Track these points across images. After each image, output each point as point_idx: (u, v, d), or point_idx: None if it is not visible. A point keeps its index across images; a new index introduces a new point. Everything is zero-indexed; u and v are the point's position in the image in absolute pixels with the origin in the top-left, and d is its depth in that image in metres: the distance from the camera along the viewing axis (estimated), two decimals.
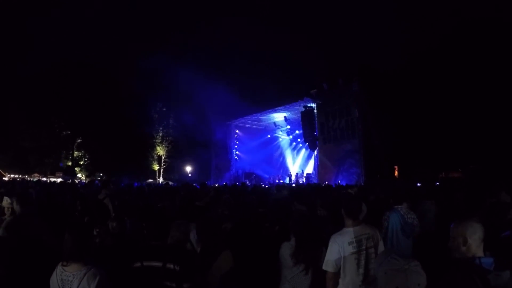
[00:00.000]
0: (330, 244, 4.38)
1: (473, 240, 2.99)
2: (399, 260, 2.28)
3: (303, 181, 30.72)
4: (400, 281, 2.20)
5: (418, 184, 17.94)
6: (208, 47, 38.99)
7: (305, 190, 12.96)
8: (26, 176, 39.41)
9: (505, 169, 20.60)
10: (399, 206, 6.56)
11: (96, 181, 21.37)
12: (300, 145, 35.57)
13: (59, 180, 32.38)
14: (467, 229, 3.04)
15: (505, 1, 24.89)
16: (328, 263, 4.31)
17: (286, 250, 4.58)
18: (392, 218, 6.30)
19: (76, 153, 51.15)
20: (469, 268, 2.84)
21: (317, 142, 30.43)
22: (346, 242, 4.32)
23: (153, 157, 51.16)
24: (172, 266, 3.56)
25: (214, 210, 7.31)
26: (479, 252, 2.98)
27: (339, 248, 4.29)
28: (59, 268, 3.58)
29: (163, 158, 51.22)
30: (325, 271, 4.34)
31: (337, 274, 4.32)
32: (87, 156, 51.66)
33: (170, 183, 27.18)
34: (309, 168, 34.08)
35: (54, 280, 3.55)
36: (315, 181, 29.13)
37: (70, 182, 27.21)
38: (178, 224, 4.33)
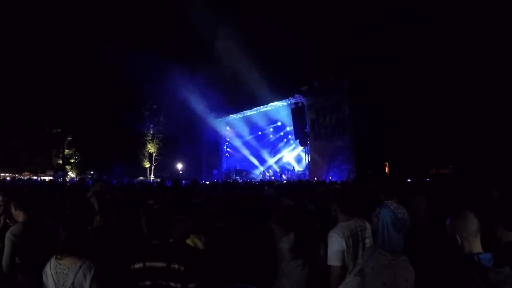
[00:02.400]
0: (331, 239, 4.46)
1: (466, 236, 2.94)
2: (386, 255, 2.26)
3: (294, 178, 30.74)
4: (388, 277, 2.17)
5: (409, 180, 17.97)
6: (197, 44, 38.72)
7: (294, 186, 12.98)
8: (17, 175, 39.20)
9: (495, 165, 20.68)
10: (389, 201, 6.57)
11: (87, 179, 21.32)
12: (291, 142, 35.58)
13: (49, 178, 32.25)
14: (458, 225, 3.01)
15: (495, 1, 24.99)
16: (335, 257, 4.37)
17: (285, 244, 4.61)
18: (383, 214, 6.32)
19: (66, 151, 50.88)
20: (467, 266, 2.80)
21: (308, 138, 30.47)
22: (345, 235, 4.41)
23: (144, 154, 50.97)
24: (176, 266, 3.51)
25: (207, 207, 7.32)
26: (476, 248, 2.92)
27: (341, 242, 4.38)
28: (53, 261, 3.63)
29: (154, 155, 51.04)
30: (329, 266, 4.39)
31: (343, 267, 4.39)
32: (77, 154, 51.41)
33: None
34: (300, 165, 34.12)
35: (49, 273, 3.59)
36: (306, 177, 29.15)
37: (60, 180, 27.11)
38: (179, 220, 4.33)
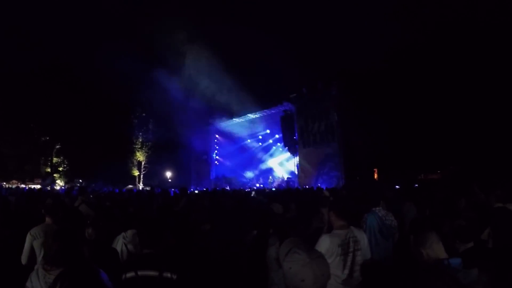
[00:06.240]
0: (320, 242, 4.49)
1: (428, 246, 3.19)
2: (301, 254, 2.33)
3: (283, 185, 30.75)
4: (305, 274, 2.25)
5: (397, 186, 18.04)
6: (186, 51, 38.73)
7: (283, 194, 13.08)
8: (4, 183, 38.90)
9: (484, 169, 20.79)
10: (377, 208, 6.55)
11: (77, 188, 21.21)
12: (280, 149, 35.58)
13: (38, 186, 32.04)
14: (419, 240, 3.29)
15: (486, 2, 25.19)
16: None
17: (272, 253, 4.61)
18: (370, 220, 6.30)
19: (55, 159, 50.57)
20: (438, 269, 2.96)
21: (297, 146, 30.53)
22: (336, 244, 4.45)
23: (133, 162, 50.77)
24: (169, 275, 3.47)
25: (190, 215, 7.29)
26: (442, 254, 3.16)
27: (327, 248, 4.39)
28: (40, 271, 3.55)
29: (143, 163, 50.84)
30: None
31: None
32: (66, 162, 51.12)
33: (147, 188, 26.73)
34: (289, 172, 34.14)
35: (36, 283, 3.50)
36: (295, 184, 29.18)
37: (49, 188, 26.94)
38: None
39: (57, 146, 50.00)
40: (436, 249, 3.10)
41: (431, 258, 3.09)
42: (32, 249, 5.42)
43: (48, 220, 5.78)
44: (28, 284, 3.56)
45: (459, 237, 3.85)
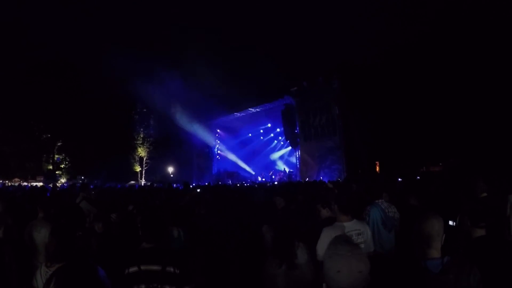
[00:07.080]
0: (322, 235, 4.51)
1: (423, 240, 3.07)
2: (343, 246, 2.37)
3: (285, 179, 30.78)
4: (342, 266, 2.27)
5: (399, 179, 18.01)
6: (188, 47, 38.76)
7: (285, 186, 13.07)
8: (7, 181, 38.91)
9: (485, 162, 20.75)
10: (380, 200, 6.55)
11: (78, 184, 21.25)
12: (282, 143, 35.61)
13: (40, 184, 32.05)
14: (415, 229, 3.15)
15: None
16: (318, 253, 4.44)
17: (269, 244, 4.62)
18: (373, 212, 6.28)
19: (56, 157, 50.52)
20: (413, 273, 2.98)
21: (298, 139, 30.50)
22: (335, 235, 4.35)
23: (134, 158, 50.71)
24: (172, 269, 3.49)
25: (194, 210, 7.30)
26: (433, 253, 3.04)
27: (329, 239, 4.32)
28: (43, 268, 3.55)
29: (144, 159, 50.79)
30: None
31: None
32: (67, 159, 51.07)
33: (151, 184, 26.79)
34: (291, 166, 34.14)
35: (39, 280, 3.50)
36: (297, 178, 29.19)
37: (51, 186, 26.95)
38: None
39: (59, 143, 49.94)
40: (430, 246, 3.04)
41: (420, 253, 3.07)
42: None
43: (40, 214, 5.75)
44: (34, 283, 3.57)
45: (475, 223, 3.82)
